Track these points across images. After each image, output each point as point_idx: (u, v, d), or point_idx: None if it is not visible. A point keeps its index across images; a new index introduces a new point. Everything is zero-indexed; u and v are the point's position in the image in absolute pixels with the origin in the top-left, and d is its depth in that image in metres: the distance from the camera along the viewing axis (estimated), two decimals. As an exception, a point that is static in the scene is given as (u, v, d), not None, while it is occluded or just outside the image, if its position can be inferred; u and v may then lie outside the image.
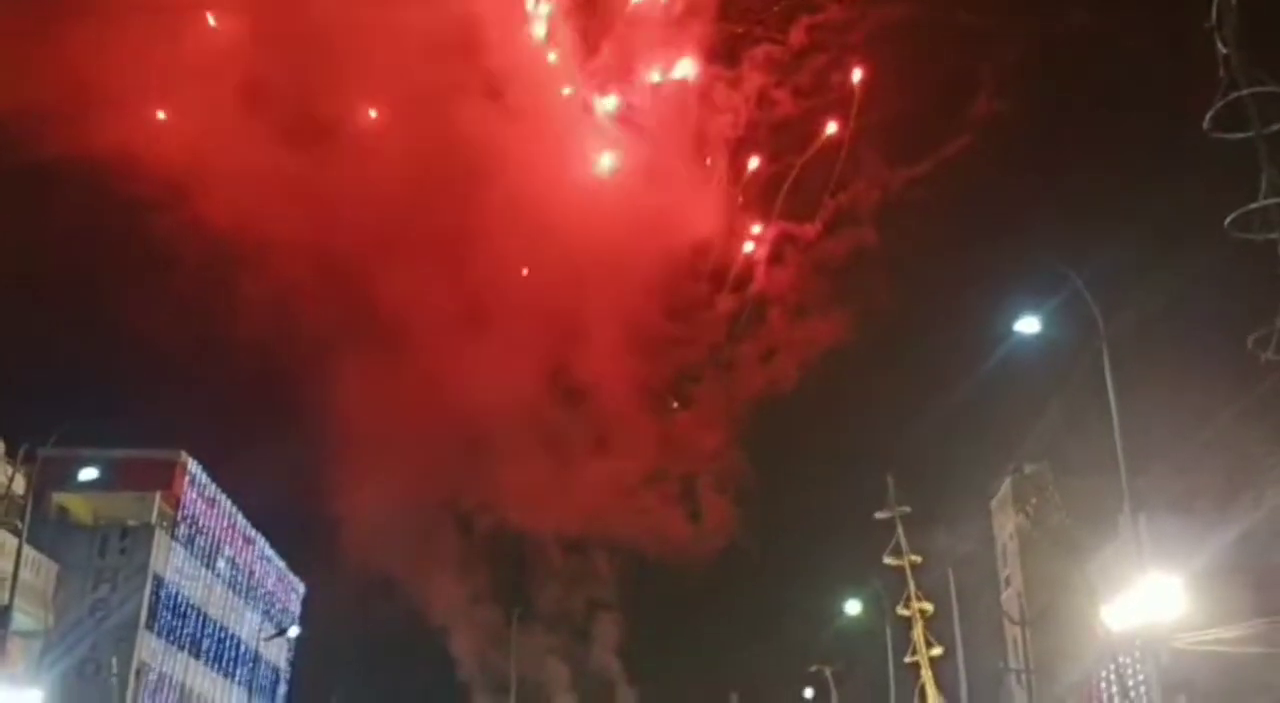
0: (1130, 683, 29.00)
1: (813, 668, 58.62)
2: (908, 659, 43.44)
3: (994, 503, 53.16)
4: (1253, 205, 19.49)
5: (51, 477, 42.41)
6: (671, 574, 76.48)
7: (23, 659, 44.16)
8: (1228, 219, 19.98)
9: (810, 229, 74.04)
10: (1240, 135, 20.07)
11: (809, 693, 64.92)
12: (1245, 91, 19.28)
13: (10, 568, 36.33)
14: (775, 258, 76.33)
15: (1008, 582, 51.67)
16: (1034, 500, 43.76)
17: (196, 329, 78.41)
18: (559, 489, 75.98)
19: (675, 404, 78.21)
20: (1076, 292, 25.20)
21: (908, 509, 44.65)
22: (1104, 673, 31.11)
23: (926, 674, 42.07)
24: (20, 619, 41.30)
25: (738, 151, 74.33)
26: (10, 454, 43.04)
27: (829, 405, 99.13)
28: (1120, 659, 29.03)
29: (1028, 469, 47.77)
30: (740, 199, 74.93)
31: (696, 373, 78.63)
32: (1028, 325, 26.75)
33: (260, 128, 67.42)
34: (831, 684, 56.76)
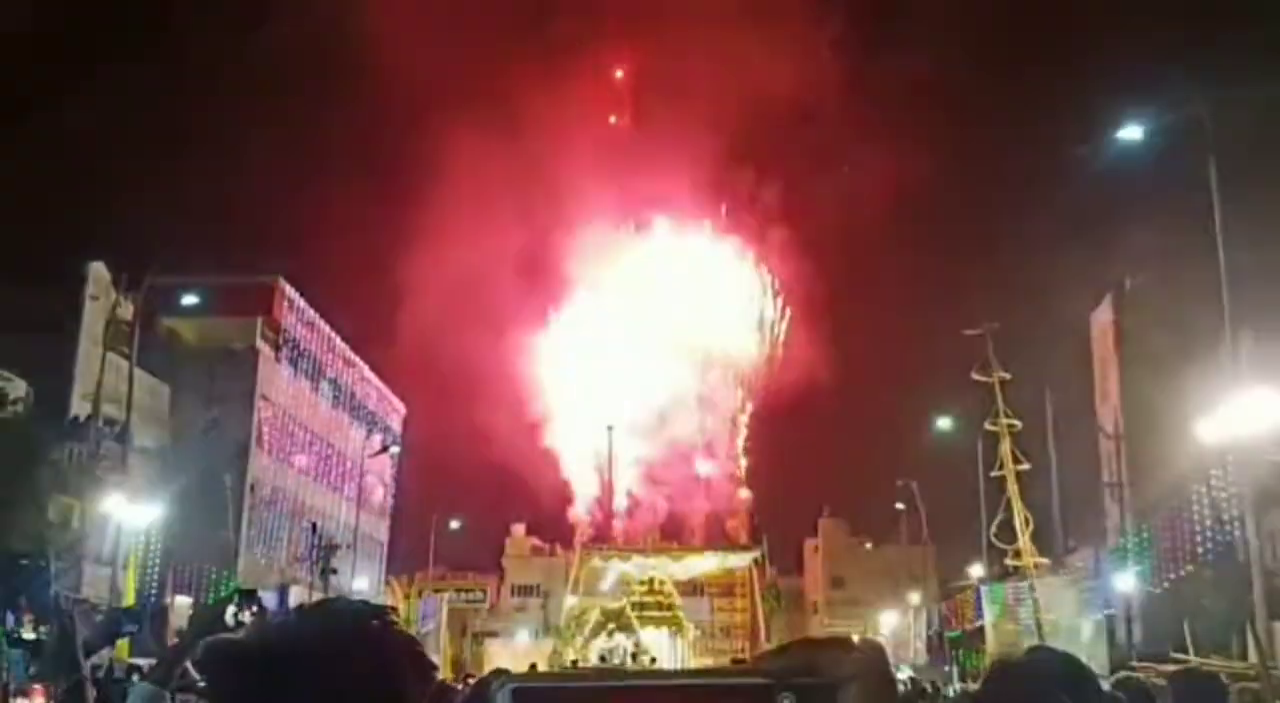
0: (1223, 497, 28.82)
1: (899, 482, 59.47)
2: (994, 474, 43.86)
3: (1093, 318, 52.22)
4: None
5: (157, 303, 43.56)
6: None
7: (143, 476, 46.45)
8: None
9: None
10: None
11: (899, 506, 65.98)
12: None
13: (125, 389, 37.92)
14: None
15: (1104, 397, 51.16)
16: (1135, 315, 42.94)
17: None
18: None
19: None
20: (1184, 96, 23.96)
21: (996, 325, 45.32)
22: (1196, 488, 30.95)
23: (1013, 488, 42.45)
24: (139, 438, 43.21)
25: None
26: (116, 281, 44.28)
27: (916, 229, 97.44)
28: (1214, 473, 28.81)
29: (1129, 284, 46.70)
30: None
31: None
32: (1131, 133, 25.63)
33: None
34: (918, 497, 57.54)
